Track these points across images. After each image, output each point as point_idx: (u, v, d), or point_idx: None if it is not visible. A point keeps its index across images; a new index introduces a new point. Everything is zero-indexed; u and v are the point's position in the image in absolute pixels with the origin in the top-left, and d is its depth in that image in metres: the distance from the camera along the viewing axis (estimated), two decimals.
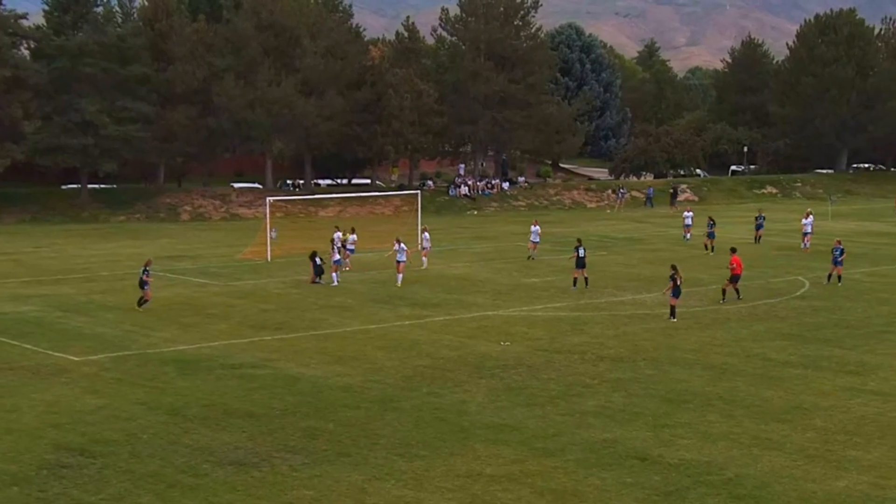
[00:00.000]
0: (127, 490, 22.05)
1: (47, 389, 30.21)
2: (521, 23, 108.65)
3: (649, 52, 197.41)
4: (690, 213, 72.76)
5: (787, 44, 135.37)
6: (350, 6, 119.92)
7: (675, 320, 40.94)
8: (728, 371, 32.72)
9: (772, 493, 22.02)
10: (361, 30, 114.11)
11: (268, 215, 64.17)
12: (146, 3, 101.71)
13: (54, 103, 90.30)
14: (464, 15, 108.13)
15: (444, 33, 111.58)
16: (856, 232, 74.27)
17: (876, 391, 30.38)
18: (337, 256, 51.54)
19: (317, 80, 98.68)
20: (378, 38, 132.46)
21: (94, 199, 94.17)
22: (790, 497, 21.84)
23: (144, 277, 43.60)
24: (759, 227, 69.08)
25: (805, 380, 31.66)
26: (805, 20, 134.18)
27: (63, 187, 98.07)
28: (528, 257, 60.52)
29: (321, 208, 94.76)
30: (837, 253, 51.05)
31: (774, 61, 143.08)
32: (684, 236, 70.67)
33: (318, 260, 51.25)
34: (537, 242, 61.00)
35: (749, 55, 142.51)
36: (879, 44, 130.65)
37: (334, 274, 50.72)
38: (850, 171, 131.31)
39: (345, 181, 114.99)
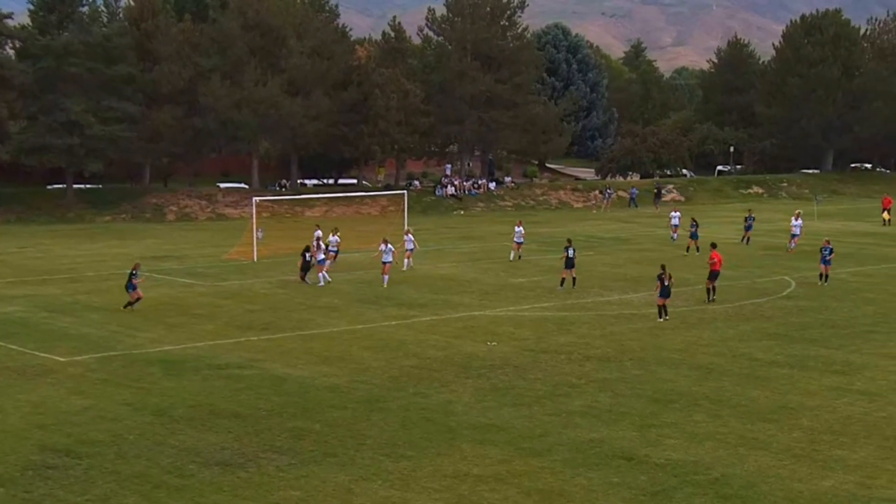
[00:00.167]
0: (113, 491, 21.99)
1: (33, 390, 30.12)
2: (507, 23, 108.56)
3: (636, 53, 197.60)
4: (677, 214, 72.77)
5: (773, 44, 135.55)
6: (336, 6, 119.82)
7: (662, 320, 40.99)
8: (714, 371, 32.76)
9: (758, 493, 22.05)
10: (348, 30, 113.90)
11: (254, 215, 64.09)
12: (132, 3, 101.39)
13: (39, 103, 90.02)
14: (450, 15, 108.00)
15: (431, 33, 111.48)
16: (842, 232, 74.41)
17: (862, 391, 30.44)
18: (321, 256, 51.43)
19: (303, 80, 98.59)
20: (364, 38, 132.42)
21: (79, 200, 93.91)
22: (777, 497, 21.87)
23: (133, 280, 43.38)
24: (748, 227, 68.97)
25: (791, 379, 31.72)
26: (791, 21, 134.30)
27: (48, 187, 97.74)
28: (518, 257, 60.26)
29: (307, 208, 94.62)
30: (826, 252, 51.14)
31: (761, 61, 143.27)
32: (671, 236, 70.66)
33: (307, 256, 51.23)
34: (521, 243, 60.81)
35: (735, 55, 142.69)
36: (865, 44, 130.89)
37: (321, 274, 50.65)
38: (849, 171, 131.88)
39: (331, 181, 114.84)
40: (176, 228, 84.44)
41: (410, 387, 30.59)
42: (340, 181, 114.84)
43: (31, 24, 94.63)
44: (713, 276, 45.81)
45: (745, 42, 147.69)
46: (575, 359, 34.42)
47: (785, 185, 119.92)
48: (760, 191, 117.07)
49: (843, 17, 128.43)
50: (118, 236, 76.52)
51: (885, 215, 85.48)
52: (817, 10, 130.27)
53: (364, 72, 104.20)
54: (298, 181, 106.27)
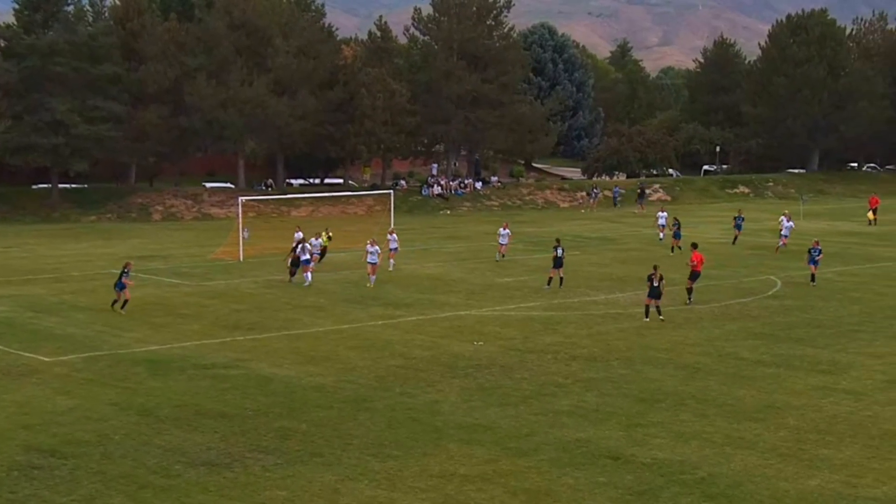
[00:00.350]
0: (98, 491, 21.92)
1: (18, 390, 30.01)
2: (493, 22, 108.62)
3: (622, 52, 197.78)
4: (664, 213, 72.79)
5: (759, 44, 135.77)
6: (322, 5, 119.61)
7: (647, 320, 41.01)
8: (701, 370, 32.78)
9: (744, 492, 22.06)
10: (334, 29, 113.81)
11: (240, 215, 63.99)
12: (117, 2, 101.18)
13: (25, 102, 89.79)
14: (436, 14, 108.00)
15: (417, 33, 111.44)
16: (827, 231, 74.53)
17: (848, 390, 30.49)
18: (306, 256, 51.29)
19: (289, 79, 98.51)
20: (350, 38, 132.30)
21: (64, 199, 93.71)
22: (763, 496, 21.89)
23: (124, 280, 43.12)
24: (737, 227, 68.87)
25: (777, 379, 31.76)
26: (777, 20, 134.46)
27: (34, 187, 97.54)
28: (502, 256, 60.21)
29: (293, 208, 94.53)
30: (815, 253, 51.17)
31: (746, 61, 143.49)
32: (658, 236, 70.68)
33: (297, 250, 51.23)
34: (504, 244, 60.50)
35: (721, 55, 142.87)
36: (851, 44, 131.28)
37: (305, 274, 50.52)
38: (842, 170, 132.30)
39: (317, 181, 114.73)
40: (162, 228, 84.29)
41: (397, 386, 30.56)
42: (327, 181, 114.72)
43: (15, 23, 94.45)
44: (693, 276, 45.68)
45: (731, 42, 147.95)
46: (561, 358, 34.41)
47: (771, 184, 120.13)
48: (746, 190, 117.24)
49: (828, 17, 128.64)
50: (104, 236, 76.35)
51: (870, 215, 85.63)
52: (803, 10, 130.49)
53: (350, 71, 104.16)
54: (284, 181, 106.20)
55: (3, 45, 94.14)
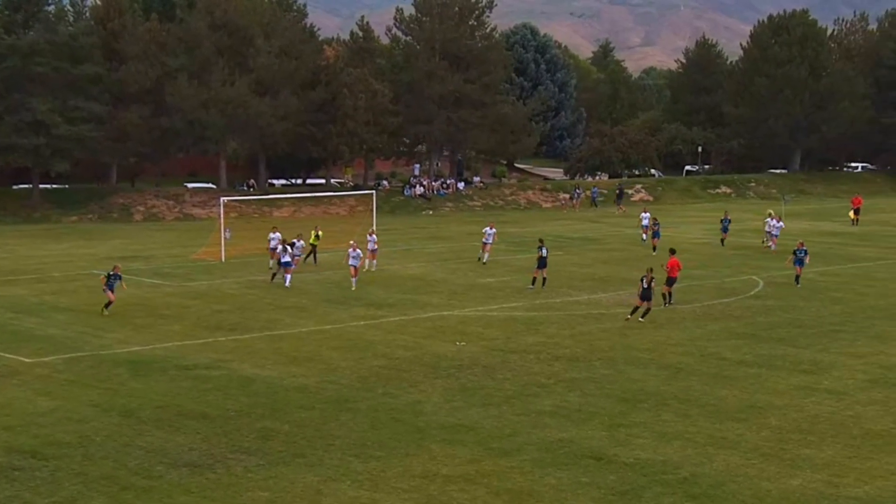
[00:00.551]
0: (80, 492, 21.86)
1: None
2: (475, 23, 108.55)
3: (604, 53, 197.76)
4: (647, 214, 72.71)
5: (740, 44, 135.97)
6: (304, 6, 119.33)
7: (629, 318, 41.05)
8: (683, 370, 32.84)
9: (727, 492, 22.10)
10: (316, 29, 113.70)
11: (222, 216, 63.85)
12: (98, 2, 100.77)
13: (5, 103, 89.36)
14: (418, 15, 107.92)
15: (399, 33, 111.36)
16: (809, 231, 74.69)
17: (829, 390, 30.58)
18: (286, 258, 51.13)
19: (271, 79, 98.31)
20: (332, 38, 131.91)
21: (45, 200, 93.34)
22: (745, 495, 21.93)
23: (111, 282, 42.83)
24: (724, 229, 68.79)
25: (759, 379, 31.84)
26: (758, 21, 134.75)
27: (14, 187, 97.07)
28: (480, 258, 59.81)
29: (275, 208, 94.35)
30: (801, 253, 51.22)
31: (728, 62, 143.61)
32: (642, 237, 70.65)
33: (288, 246, 51.07)
34: (489, 244, 60.11)
35: (703, 55, 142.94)
36: (832, 44, 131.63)
37: (286, 275, 50.35)
38: (835, 172, 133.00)
39: (299, 181, 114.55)
40: (143, 229, 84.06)
41: (379, 387, 30.54)
42: (309, 181, 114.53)
43: None
44: (670, 281, 45.23)
45: (713, 42, 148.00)
46: (544, 359, 34.44)
47: (753, 184, 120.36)
48: (728, 191, 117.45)
49: (810, 18, 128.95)
50: (85, 236, 76.11)
51: (852, 214, 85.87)
52: (784, 11, 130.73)
53: (332, 71, 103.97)
54: (266, 181, 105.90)
55: None
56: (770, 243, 65.54)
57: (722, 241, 68.04)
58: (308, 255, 57.27)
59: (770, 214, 68.34)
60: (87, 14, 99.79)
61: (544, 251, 49.66)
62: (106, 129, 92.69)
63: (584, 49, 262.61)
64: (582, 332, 39.21)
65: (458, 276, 54.29)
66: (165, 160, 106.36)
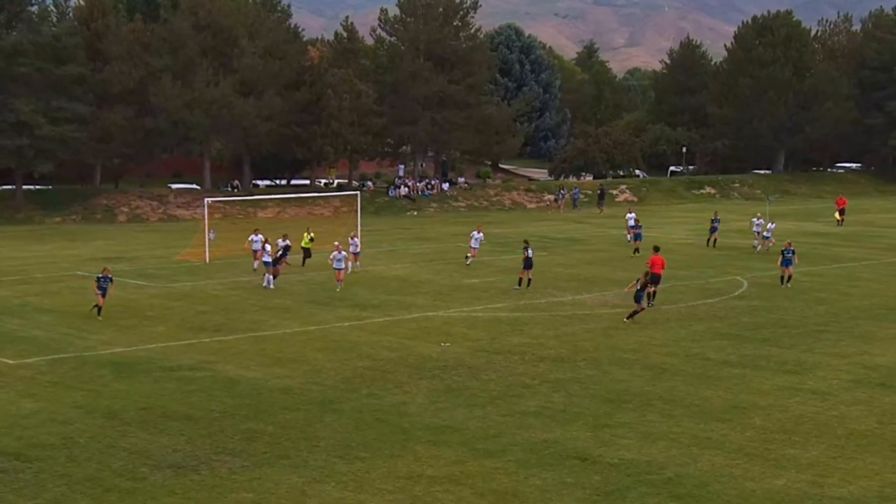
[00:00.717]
0: (63, 494, 21.79)
1: None
2: (460, 23, 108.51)
3: (588, 53, 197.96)
4: (633, 215, 72.66)
5: (724, 45, 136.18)
6: (288, 6, 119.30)
7: (627, 320, 41.04)
8: (667, 371, 32.87)
9: (711, 492, 22.12)
10: (300, 30, 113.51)
11: (206, 216, 63.75)
12: (82, 3, 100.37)
13: None
14: (403, 15, 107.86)
15: (384, 34, 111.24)
16: (794, 232, 74.71)
17: (814, 390, 30.63)
18: (268, 258, 51.02)
19: (255, 80, 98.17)
20: (317, 39, 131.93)
21: (29, 201, 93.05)
22: (729, 496, 21.96)
23: (102, 284, 42.58)
24: (713, 229, 68.73)
25: (744, 379, 31.88)
26: (742, 22, 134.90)
27: None
28: (466, 258, 59.61)
29: (260, 209, 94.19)
30: (789, 254, 51.27)
31: (712, 62, 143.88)
32: (627, 237, 70.57)
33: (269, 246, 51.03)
34: (476, 248, 59.84)
35: (687, 56, 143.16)
36: (816, 45, 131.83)
37: (267, 276, 50.22)
38: (830, 173, 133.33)
39: (284, 182, 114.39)
40: (127, 230, 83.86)
41: (364, 388, 30.51)
42: (293, 182, 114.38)
43: None
44: (654, 279, 44.47)
45: (697, 43, 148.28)
46: (529, 359, 34.44)
47: (737, 185, 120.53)
48: (713, 191, 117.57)
49: (794, 19, 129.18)
50: (68, 237, 75.92)
51: (837, 215, 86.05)
52: (768, 12, 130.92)
53: (317, 72, 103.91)
54: (251, 182, 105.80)
55: None
56: (759, 245, 65.56)
57: (708, 241, 68.05)
58: (305, 258, 57.20)
59: (758, 216, 68.39)
60: (71, 14, 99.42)
61: (530, 252, 49.68)
62: (90, 130, 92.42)
63: (569, 50, 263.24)
64: (566, 332, 39.22)
65: (443, 276, 54.27)
66: (149, 161, 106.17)
